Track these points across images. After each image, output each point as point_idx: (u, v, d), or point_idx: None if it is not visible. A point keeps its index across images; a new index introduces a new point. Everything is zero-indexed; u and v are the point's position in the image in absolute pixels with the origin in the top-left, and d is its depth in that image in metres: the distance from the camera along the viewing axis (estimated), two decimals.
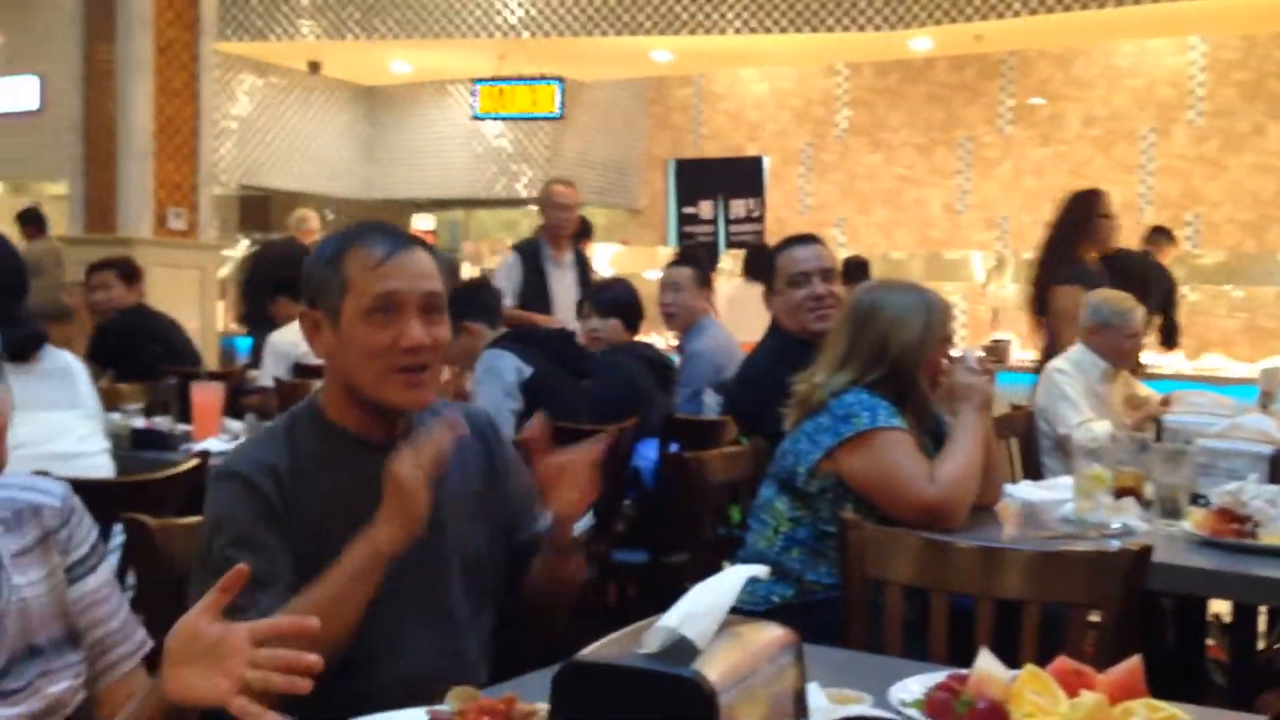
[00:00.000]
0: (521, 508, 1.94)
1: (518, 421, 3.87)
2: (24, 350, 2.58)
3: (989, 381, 2.72)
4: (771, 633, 1.17)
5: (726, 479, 3.14)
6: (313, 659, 1.22)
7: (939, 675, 1.53)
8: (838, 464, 2.62)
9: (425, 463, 1.65)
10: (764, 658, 1.13)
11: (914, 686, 1.50)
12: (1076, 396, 4.16)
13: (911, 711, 1.43)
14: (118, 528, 2.33)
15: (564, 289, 5.94)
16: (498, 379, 3.87)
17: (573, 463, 1.78)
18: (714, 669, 1.05)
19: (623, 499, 3.96)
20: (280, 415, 1.88)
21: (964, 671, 1.51)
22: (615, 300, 4.56)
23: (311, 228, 8.76)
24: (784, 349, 3.47)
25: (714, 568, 2.95)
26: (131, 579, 2.05)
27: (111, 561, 1.55)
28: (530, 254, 5.95)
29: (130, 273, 5.41)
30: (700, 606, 1.09)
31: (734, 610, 2.70)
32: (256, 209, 12.87)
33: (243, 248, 11.64)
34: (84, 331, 5.58)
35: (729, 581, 1.11)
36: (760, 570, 1.17)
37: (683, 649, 1.06)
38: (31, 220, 9.83)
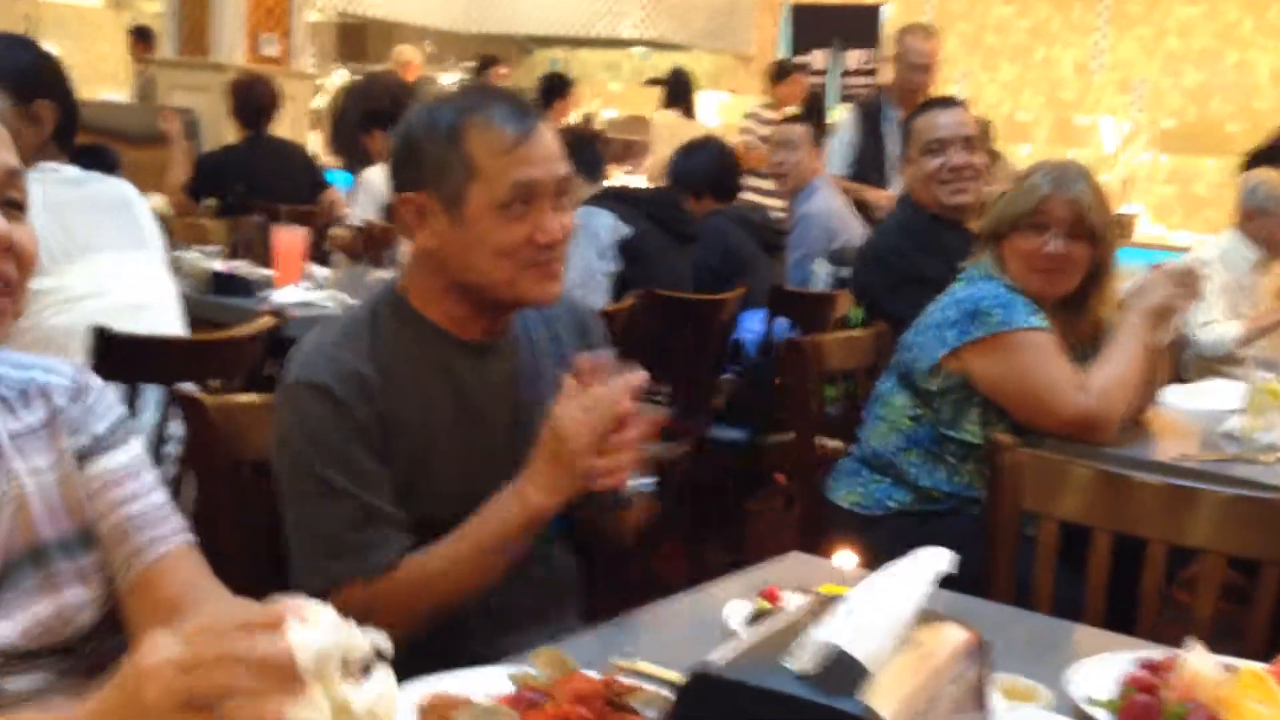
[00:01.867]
0: None
1: (613, 285, 3.61)
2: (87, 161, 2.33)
3: (1179, 294, 2.36)
4: (954, 638, 0.90)
5: (844, 366, 2.86)
6: None
7: (1124, 660, 1.26)
8: (965, 364, 2.34)
9: (596, 421, 1.40)
10: (946, 677, 0.86)
11: (1097, 677, 1.23)
12: (1211, 292, 3.78)
13: (1101, 714, 1.16)
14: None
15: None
16: (592, 238, 3.60)
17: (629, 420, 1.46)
18: (888, 700, 0.79)
19: (722, 372, 3.70)
20: (360, 305, 1.63)
21: (1154, 657, 1.24)
22: (699, 173, 4.16)
23: (414, 63, 8.39)
24: (915, 225, 3.17)
25: (815, 451, 2.72)
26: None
27: (138, 447, 1.27)
28: (869, 114, 5.29)
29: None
30: (872, 616, 0.82)
31: (846, 510, 2.47)
32: (353, 38, 12.55)
33: (339, 78, 11.35)
34: (183, 160, 5.40)
35: (910, 586, 0.84)
36: (946, 561, 0.89)
37: (848, 670, 0.80)
38: (144, 37, 9.60)
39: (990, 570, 1.82)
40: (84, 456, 1.21)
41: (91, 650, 1.18)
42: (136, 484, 1.23)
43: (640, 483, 1.57)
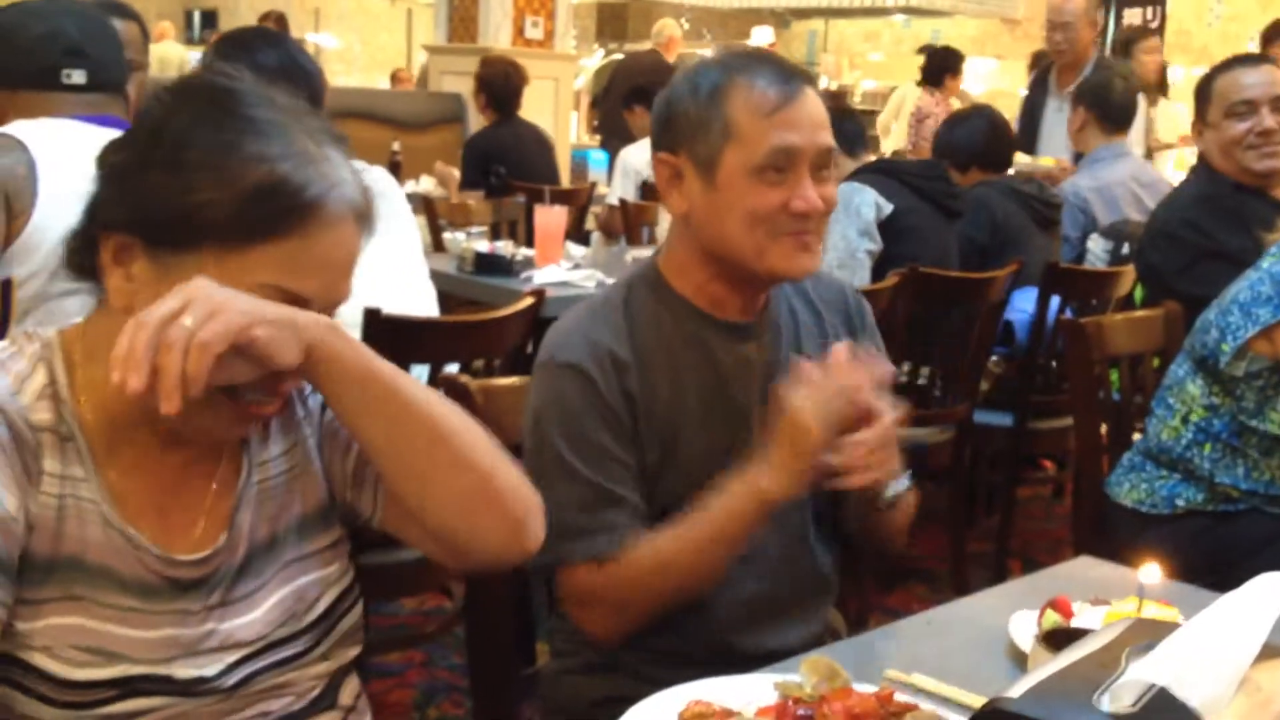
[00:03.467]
0: None
1: (874, 264, 3.48)
2: None
3: None
4: None
5: (1129, 350, 2.64)
6: None
7: None
8: (1277, 346, 2.09)
9: (831, 403, 1.33)
10: None
11: None
12: None
13: None
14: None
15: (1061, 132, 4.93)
16: (854, 216, 3.47)
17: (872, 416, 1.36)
18: None
19: (990, 354, 3.51)
20: (617, 282, 1.59)
21: None
22: (964, 144, 3.94)
23: (675, 38, 8.39)
24: (1212, 195, 2.90)
25: (1099, 440, 2.53)
26: None
27: None
28: (1038, 78, 5.11)
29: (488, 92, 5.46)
30: (1204, 654, 0.70)
31: (1129, 509, 2.27)
32: (614, 18, 12.74)
33: (599, 58, 11.54)
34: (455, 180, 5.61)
35: (1251, 619, 0.72)
36: None
37: (1174, 717, 0.69)
38: None
39: None
40: (323, 419, 1.21)
41: (323, 632, 1.18)
42: None
43: (899, 484, 1.47)
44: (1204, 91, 2.95)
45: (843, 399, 1.33)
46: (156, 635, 1.07)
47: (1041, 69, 5.19)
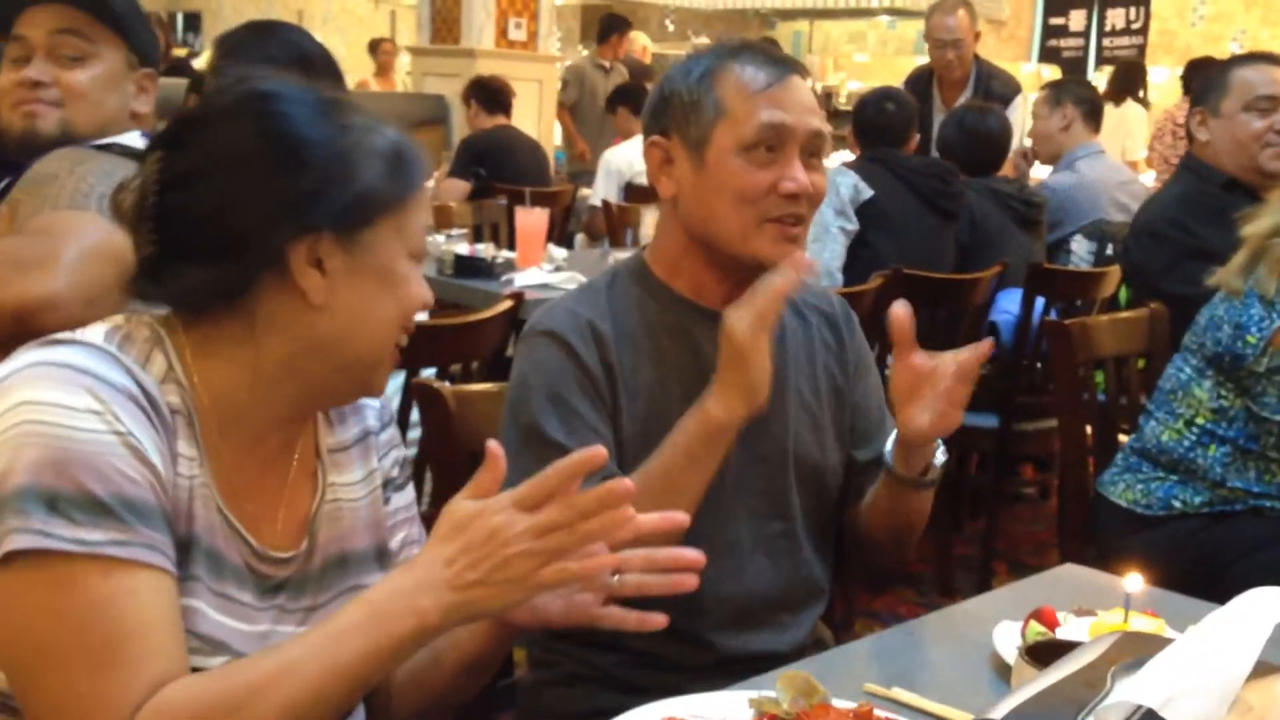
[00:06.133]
0: (867, 417, 1.61)
1: (848, 243, 3.52)
2: None
3: None
4: None
5: (1113, 351, 2.61)
6: (695, 554, 1.06)
7: None
8: None
9: (768, 316, 1.34)
10: None
11: None
12: None
13: None
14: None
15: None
16: (832, 193, 3.49)
17: (941, 370, 1.38)
18: None
19: None
20: (602, 272, 1.58)
21: None
22: (956, 142, 3.92)
23: (645, 49, 8.45)
24: (1199, 192, 2.85)
25: (1085, 442, 2.50)
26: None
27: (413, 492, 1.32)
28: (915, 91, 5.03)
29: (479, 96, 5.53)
30: (1193, 674, 0.67)
31: (1123, 510, 2.24)
32: (598, 20, 12.70)
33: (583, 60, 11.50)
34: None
35: (1243, 636, 0.69)
36: None
37: None
38: None
39: None
40: (387, 485, 1.25)
41: None
42: (415, 528, 1.28)
43: (940, 456, 1.46)
44: (1217, 81, 2.88)
45: (777, 306, 1.35)
46: (253, 630, 1.08)
47: (919, 81, 5.12)
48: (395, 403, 2.15)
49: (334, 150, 1.06)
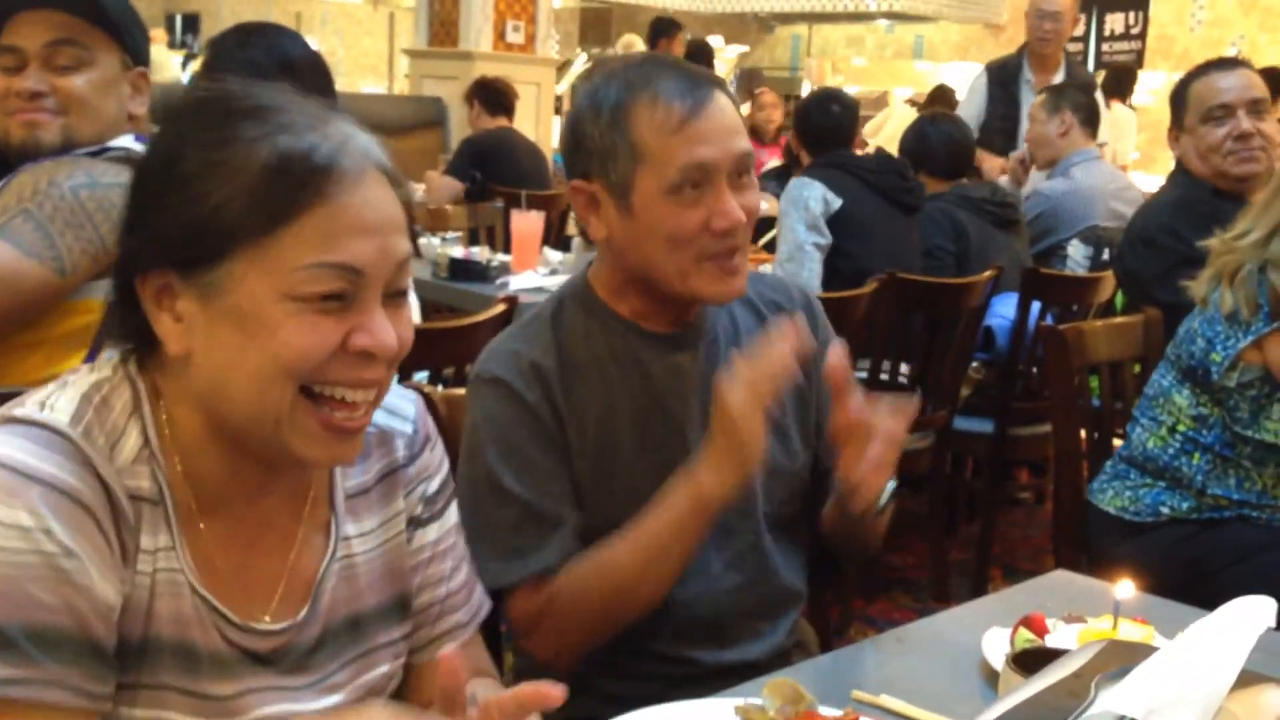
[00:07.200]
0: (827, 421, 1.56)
1: (824, 257, 3.50)
2: None
3: None
4: (1275, 706, 0.74)
5: (1109, 357, 2.61)
6: (557, 693, 0.88)
7: None
8: (1270, 356, 2.06)
9: (764, 389, 1.28)
10: None
11: None
12: None
13: None
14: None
15: None
16: (801, 211, 3.47)
17: (872, 423, 1.30)
18: None
19: (970, 361, 3.48)
20: (548, 298, 1.53)
21: None
22: (924, 153, 3.88)
23: (635, 52, 8.44)
24: (1190, 200, 2.87)
25: (1079, 448, 2.49)
26: None
27: (455, 513, 1.20)
28: (1002, 76, 5.09)
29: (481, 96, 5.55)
30: (1177, 684, 0.67)
31: (1112, 516, 2.23)
32: (597, 22, 12.71)
33: (582, 63, 11.51)
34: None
35: (1227, 645, 0.68)
36: (1272, 615, 0.73)
37: None
38: None
39: None
40: (413, 522, 1.14)
41: None
42: (452, 558, 1.17)
43: (890, 488, 1.42)
44: (1180, 97, 2.93)
45: (774, 383, 1.28)
46: None
47: (1005, 68, 5.12)
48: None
49: (191, 169, 0.93)
